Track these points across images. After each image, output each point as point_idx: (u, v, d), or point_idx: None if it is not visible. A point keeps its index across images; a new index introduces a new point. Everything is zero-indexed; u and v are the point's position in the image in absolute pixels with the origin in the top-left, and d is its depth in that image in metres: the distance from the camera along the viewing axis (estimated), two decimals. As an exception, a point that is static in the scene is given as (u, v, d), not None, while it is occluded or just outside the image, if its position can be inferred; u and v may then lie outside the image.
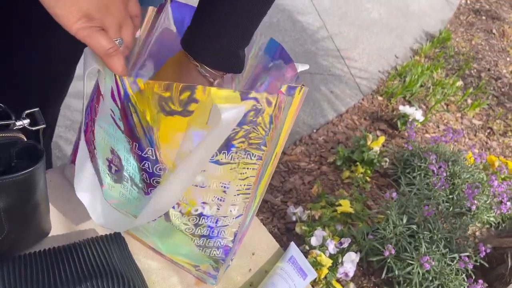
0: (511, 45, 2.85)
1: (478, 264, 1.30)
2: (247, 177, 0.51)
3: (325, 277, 1.25)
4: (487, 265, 1.31)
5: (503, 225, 1.55)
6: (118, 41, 0.43)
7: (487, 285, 1.27)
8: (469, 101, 2.30)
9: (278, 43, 0.55)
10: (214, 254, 0.59)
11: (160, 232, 0.58)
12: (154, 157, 0.48)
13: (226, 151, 0.48)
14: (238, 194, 0.53)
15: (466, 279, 1.27)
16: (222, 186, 0.51)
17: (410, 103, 2.14)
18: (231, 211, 0.54)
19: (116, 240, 0.59)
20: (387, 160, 1.70)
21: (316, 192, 1.59)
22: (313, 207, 1.48)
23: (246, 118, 0.45)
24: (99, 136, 0.52)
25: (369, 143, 1.70)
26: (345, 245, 1.27)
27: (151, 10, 0.56)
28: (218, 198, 0.52)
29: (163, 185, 0.49)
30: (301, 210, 1.44)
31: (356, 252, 1.28)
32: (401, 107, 1.96)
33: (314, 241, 1.27)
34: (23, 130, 0.50)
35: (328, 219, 1.41)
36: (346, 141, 1.86)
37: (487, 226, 1.54)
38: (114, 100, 0.46)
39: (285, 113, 0.49)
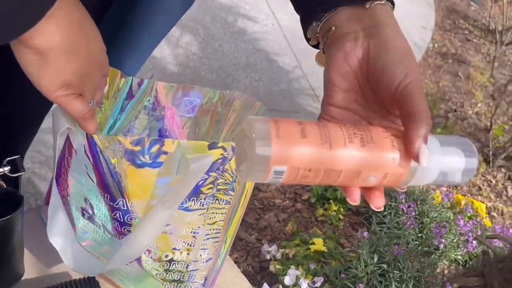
0: (475, 87, 3.01)
1: (446, 302, 1.33)
2: (216, 221, 0.54)
3: (298, 317, 1.25)
4: (454, 304, 1.34)
5: (470, 263, 1.60)
6: (91, 102, 0.45)
7: (454, 324, 1.30)
8: (437, 140, 2.40)
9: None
10: None
11: (133, 276, 0.60)
12: (125, 207, 0.51)
13: (195, 198, 0.51)
14: (207, 239, 0.55)
15: (434, 318, 1.29)
16: (191, 232, 0.53)
17: (381, 142, 2.21)
18: (201, 255, 0.56)
19: (89, 284, 0.59)
20: (359, 198, 1.74)
21: (291, 230, 1.61)
22: (287, 245, 1.50)
23: (213, 166, 0.48)
24: (73, 186, 0.54)
25: (342, 181, 1.75)
26: (318, 284, 1.29)
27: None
28: (188, 244, 0.54)
29: (134, 233, 0.51)
30: (275, 249, 1.45)
31: (328, 291, 1.30)
32: (372, 146, 2.03)
33: (287, 280, 1.29)
34: (2, 176, 0.52)
35: (301, 257, 1.43)
36: (320, 178, 1.90)
37: (455, 264, 1.59)
38: (86, 155, 0.48)
39: None
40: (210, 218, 0.53)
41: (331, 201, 1.73)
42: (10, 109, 0.68)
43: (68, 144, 0.53)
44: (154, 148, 0.46)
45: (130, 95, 0.56)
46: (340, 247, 1.55)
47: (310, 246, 1.48)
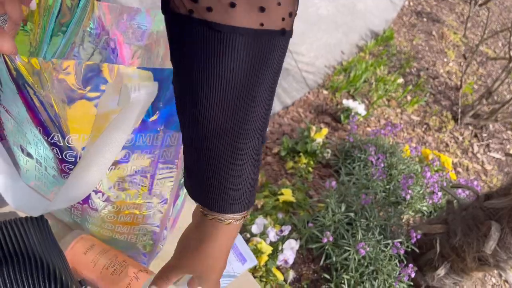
0: (448, 46, 3.01)
1: (409, 249, 1.37)
2: (169, 160, 0.50)
3: (265, 264, 1.26)
4: (417, 251, 1.38)
5: (435, 214, 1.64)
6: (3, 17, 0.39)
7: (417, 269, 1.34)
8: (409, 97, 2.41)
9: None
10: (141, 240, 0.58)
11: (82, 218, 0.56)
12: (62, 143, 0.45)
13: (142, 134, 0.46)
14: (161, 178, 0.51)
15: (398, 264, 1.33)
16: (142, 171, 0.50)
17: (353, 98, 2.20)
18: (154, 196, 0.53)
19: (37, 223, 0.56)
20: (329, 151, 1.74)
21: (260, 182, 1.60)
22: (256, 196, 1.49)
23: (163, 97, 0.44)
24: (6, 118, 0.48)
25: (312, 134, 1.74)
26: (286, 233, 1.29)
27: None
28: (138, 184, 0.51)
29: (76, 171, 0.46)
30: (244, 199, 1.44)
31: (296, 240, 1.30)
32: (344, 101, 2.02)
33: (255, 228, 1.28)
34: None
35: (270, 208, 1.43)
36: (291, 132, 1.89)
37: (420, 215, 1.63)
38: (11, 81, 0.42)
39: None
40: (162, 157, 0.49)
41: (301, 154, 1.72)
42: None
43: None
44: (91, 75, 0.41)
45: (65, 15, 0.50)
46: (309, 198, 1.55)
47: (279, 197, 1.47)
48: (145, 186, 0.51)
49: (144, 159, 0.49)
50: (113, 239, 0.58)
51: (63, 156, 0.47)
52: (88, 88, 0.41)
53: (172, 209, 0.58)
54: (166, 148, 0.49)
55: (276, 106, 2.01)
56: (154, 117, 0.46)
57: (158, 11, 0.52)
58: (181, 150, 0.50)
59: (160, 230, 0.57)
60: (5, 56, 0.39)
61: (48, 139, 0.45)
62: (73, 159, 0.47)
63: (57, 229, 0.61)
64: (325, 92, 2.19)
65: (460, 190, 1.63)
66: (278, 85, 2.11)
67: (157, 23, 0.54)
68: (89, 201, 0.52)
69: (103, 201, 0.52)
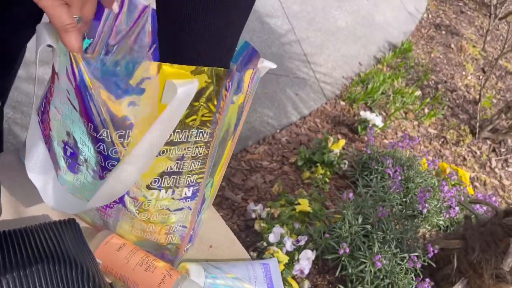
0: (467, 59, 2.99)
1: (426, 264, 1.36)
2: (200, 156, 0.52)
3: (281, 274, 1.27)
4: (434, 265, 1.37)
5: (452, 228, 1.63)
6: (77, 18, 0.43)
7: (433, 283, 1.33)
8: (426, 110, 2.40)
9: (249, 44, 0.56)
10: (169, 240, 0.59)
11: (115, 216, 0.58)
12: (109, 139, 0.48)
13: (179, 131, 0.48)
14: (192, 175, 0.53)
15: (414, 278, 1.32)
16: (176, 168, 0.51)
17: (371, 109, 2.21)
18: (185, 193, 0.54)
19: (70, 225, 0.58)
20: (346, 162, 1.74)
21: (277, 191, 1.61)
22: (273, 205, 1.50)
23: (198, 94, 0.46)
24: (54, 118, 0.51)
25: (329, 145, 1.75)
26: (302, 243, 1.30)
27: None
28: (172, 181, 0.52)
29: (119, 167, 0.49)
30: (261, 208, 1.46)
31: (312, 250, 1.31)
32: (362, 113, 2.03)
33: (272, 238, 1.29)
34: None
35: (286, 218, 1.44)
36: (308, 142, 1.90)
37: (437, 229, 1.62)
38: (69, 79, 0.45)
39: (237, 93, 0.50)
40: (193, 153, 0.51)
41: (318, 164, 1.73)
42: None
43: (51, 72, 0.50)
44: (137, 73, 0.43)
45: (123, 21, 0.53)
46: (325, 209, 1.56)
47: (296, 207, 1.48)
48: (179, 184, 0.53)
49: (179, 154, 0.50)
50: (142, 239, 0.60)
51: (109, 152, 0.49)
52: (134, 85, 0.44)
53: (199, 212, 0.60)
54: (197, 144, 0.51)
55: (293, 116, 2.02)
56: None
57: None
58: (212, 146, 0.52)
59: (188, 230, 0.59)
60: (71, 55, 0.42)
61: (97, 136, 0.48)
62: (117, 156, 0.49)
63: (86, 232, 0.63)
64: (342, 103, 2.20)
65: (477, 205, 1.62)
66: (295, 95, 2.12)
67: None
68: (124, 199, 0.54)
69: (139, 199, 0.54)
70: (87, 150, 0.51)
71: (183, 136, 0.49)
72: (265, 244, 1.31)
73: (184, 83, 0.43)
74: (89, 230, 0.63)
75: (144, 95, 0.45)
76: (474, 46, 3.12)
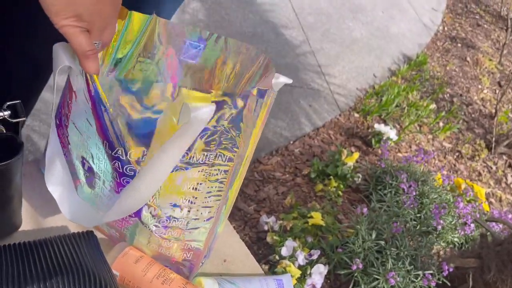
0: (483, 73, 2.97)
1: (440, 282, 1.34)
2: (218, 179, 0.52)
3: (293, 288, 1.26)
4: (449, 284, 1.35)
5: (466, 246, 1.61)
6: (97, 43, 0.43)
7: (448, 303, 1.31)
8: (441, 124, 2.38)
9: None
10: (184, 257, 0.60)
11: (132, 231, 0.58)
12: (125, 157, 0.49)
13: (197, 152, 0.48)
14: (209, 196, 0.53)
15: (428, 296, 1.30)
16: (193, 189, 0.52)
17: (385, 122, 2.19)
18: (201, 213, 0.54)
19: (87, 238, 0.58)
20: (360, 176, 1.73)
21: (289, 203, 1.60)
22: (285, 217, 1.50)
23: (218, 118, 0.46)
24: (73, 133, 0.52)
25: (343, 158, 1.74)
26: (315, 257, 1.29)
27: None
28: (189, 201, 0.53)
29: (133, 184, 0.49)
30: (274, 220, 1.45)
31: (324, 265, 1.30)
32: (376, 125, 2.01)
33: (284, 251, 1.29)
34: (2, 121, 0.50)
35: (299, 231, 1.43)
36: (321, 154, 1.89)
37: (451, 246, 1.59)
38: (85, 98, 0.46)
39: (255, 115, 0.50)
40: (212, 175, 0.51)
41: (331, 177, 1.72)
42: (9, 65, 0.65)
43: (68, 87, 0.51)
44: (154, 94, 0.44)
45: (130, 33, 0.53)
46: (338, 223, 1.54)
47: (308, 220, 1.47)
48: (195, 203, 0.53)
49: (197, 176, 0.51)
50: (158, 254, 0.60)
51: (124, 170, 0.49)
52: (149, 105, 0.44)
53: (215, 228, 0.60)
54: (214, 166, 0.51)
55: (307, 127, 2.02)
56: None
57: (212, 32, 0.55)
58: (230, 170, 0.52)
59: (204, 248, 0.59)
60: (87, 75, 0.43)
61: (112, 153, 0.49)
62: (132, 173, 0.50)
63: (103, 243, 0.63)
64: (356, 115, 2.19)
65: (493, 223, 1.59)
66: (309, 106, 2.12)
67: (211, 42, 0.56)
68: (141, 214, 0.55)
69: (154, 215, 0.54)
70: (103, 166, 0.52)
71: (201, 157, 0.49)
72: (277, 257, 1.30)
73: (200, 106, 0.43)
74: (106, 241, 0.64)
75: (160, 116, 0.45)
76: (490, 60, 3.09)
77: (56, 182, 0.55)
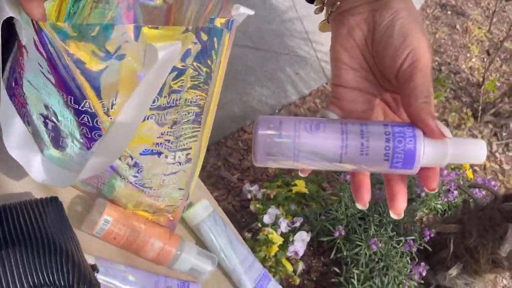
0: (472, 41, 2.94)
1: (422, 248, 1.35)
2: (191, 119, 0.50)
3: (275, 255, 1.26)
4: (430, 249, 1.36)
5: (449, 212, 1.62)
6: None
7: (428, 267, 1.32)
8: (428, 92, 2.36)
9: None
10: (167, 203, 0.59)
11: (110, 185, 0.57)
12: (93, 110, 0.45)
13: (167, 95, 0.46)
14: (185, 139, 0.52)
15: (410, 262, 1.31)
16: (166, 133, 0.50)
17: (372, 90, 2.17)
18: (179, 157, 0.53)
19: (52, 204, 0.56)
20: (345, 144, 1.72)
21: (273, 172, 1.59)
22: (269, 186, 1.48)
23: (184, 55, 0.44)
24: (29, 91, 0.48)
25: (328, 126, 1.72)
26: (297, 224, 1.28)
27: None
28: (164, 146, 0.51)
29: (105, 137, 0.47)
30: (257, 188, 1.44)
31: (307, 232, 1.30)
32: (362, 93, 1.99)
33: (266, 219, 1.28)
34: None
35: (282, 199, 1.42)
36: (307, 123, 1.87)
37: (434, 212, 1.60)
38: (38, 51, 0.42)
39: (221, 49, 0.48)
40: (185, 117, 0.49)
41: (316, 145, 1.70)
42: None
43: (18, 43, 0.47)
44: (115, 37, 0.40)
45: None
46: (322, 191, 1.54)
47: (292, 188, 1.46)
48: (170, 148, 0.52)
49: (169, 120, 0.49)
50: (139, 203, 0.59)
51: (94, 123, 0.47)
52: (112, 51, 0.41)
53: (193, 173, 0.59)
54: (185, 108, 0.49)
55: (293, 96, 1.99)
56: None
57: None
58: (205, 110, 0.50)
59: (185, 192, 0.59)
60: (35, 23, 0.39)
61: (79, 107, 0.45)
62: (103, 126, 0.47)
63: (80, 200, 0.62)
64: (343, 83, 2.16)
65: (476, 190, 1.60)
66: (295, 74, 2.08)
67: None
68: (116, 167, 0.53)
69: (132, 167, 0.53)
70: (69, 123, 0.49)
71: (171, 100, 0.47)
72: (259, 225, 1.29)
73: (166, 46, 0.40)
74: (83, 198, 0.62)
75: (124, 60, 0.42)
76: (479, 28, 3.05)
77: (18, 146, 0.52)
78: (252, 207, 1.40)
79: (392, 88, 0.38)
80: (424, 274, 1.28)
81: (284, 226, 1.27)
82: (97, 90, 0.44)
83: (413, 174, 0.34)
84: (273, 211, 1.29)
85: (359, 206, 0.35)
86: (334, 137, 0.33)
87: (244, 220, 1.42)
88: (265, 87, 1.94)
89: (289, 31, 2.26)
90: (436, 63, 2.60)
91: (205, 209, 0.67)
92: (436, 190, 0.37)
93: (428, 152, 0.32)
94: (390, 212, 0.35)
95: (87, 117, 0.46)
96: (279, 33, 2.22)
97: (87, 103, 0.45)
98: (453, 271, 1.30)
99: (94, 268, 0.56)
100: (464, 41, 2.91)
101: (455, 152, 0.33)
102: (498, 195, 1.26)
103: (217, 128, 1.76)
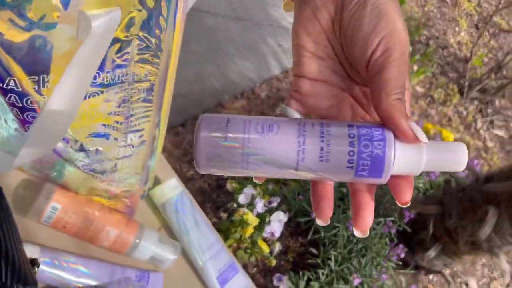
0: (461, 15, 2.87)
1: (401, 229, 1.33)
2: (142, 98, 0.45)
3: (251, 236, 1.22)
4: (409, 230, 1.34)
5: (431, 191, 1.59)
6: None
7: (407, 249, 1.30)
8: (415, 67, 2.31)
9: None
10: (122, 188, 0.55)
11: (58, 169, 0.52)
12: (19, 89, 0.39)
13: (110, 70, 0.40)
14: (136, 119, 0.46)
15: (388, 243, 1.29)
16: (114, 113, 0.44)
17: (357, 65, 2.11)
18: (131, 139, 0.48)
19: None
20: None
21: (252, 149, 1.54)
22: (247, 164, 1.43)
23: (127, 26, 0.38)
24: None
25: (310, 102, 1.66)
26: (274, 205, 1.24)
27: None
28: (112, 128, 0.46)
29: (40, 118, 0.40)
30: (234, 167, 1.39)
31: (285, 212, 1.26)
32: (347, 68, 1.93)
33: (242, 199, 1.23)
34: None
35: (260, 177, 1.37)
36: (289, 98, 1.81)
37: (416, 191, 1.58)
38: None
39: (172, 16, 0.42)
40: (134, 95, 0.44)
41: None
42: None
43: None
44: (39, 2, 0.33)
45: None
46: (302, 169, 1.49)
47: (271, 167, 1.41)
48: (120, 129, 0.47)
49: (116, 98, 0.43)
50: (93, 189, 0.55)
51: (24, 103, 0.41)
52: (36, 19, 0.35)
53: (152, 154, 0.55)
54: (134, 84, 0.43)
55: (275, 69, 1.91)
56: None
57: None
58: (156, 87, 0.45)
59: (141, 176, 0.54)
60: None
61: (3, 86, 0.39)
62: (36, 106, 0.41)
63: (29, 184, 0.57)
64: (327, 57, 2.09)
65: (459, 169, 1.58)
66: (278, 45, 2.00)
67: None
68: (62, 151, 0.48)
69: (78, 150, 0.48)
70: None
71: (116, 76, 0.41)
72: (235, 205, 1.25)
73: (102, 14, 0.33)
74: (32, 183, 0.58)
75: (55, 30, 0.35)
76: (469, 1, 2.98)
77: None
78: (228, 186, 1.35)
79: (362, 81, 0.32)
80: (402, 256, 1.26)
81: (260, 206, 1.22)
82: (23, 65, 0.38)
83: (382, 184, 0.28)
84: (249, 190, 1.24)
85: (318, 222, 0.29)
86: (289, 140, 0.27)
87: (220, 200, 1.37)
88: (245, 59, 1.86)
89: (272, 0, 2.17)
90: (424, 37, 2.53)
91: (173, 189, 0.64)
92: (409, 204, 0.30)
93: (399, 158, 0.27)
94: (354, 229, 0.29)
95: (14, 97, 0.40)
96: (261, 2, 2.12)
97: (12, 80, 0.38)
98: (432, 253, 1.28)
99: (34, 263, 0.50)
100: (453, 14, 2.84)
101: (432, 158, 0.27)
102: (480, 176, 1.23)
103: (194, 102, 1.68)
